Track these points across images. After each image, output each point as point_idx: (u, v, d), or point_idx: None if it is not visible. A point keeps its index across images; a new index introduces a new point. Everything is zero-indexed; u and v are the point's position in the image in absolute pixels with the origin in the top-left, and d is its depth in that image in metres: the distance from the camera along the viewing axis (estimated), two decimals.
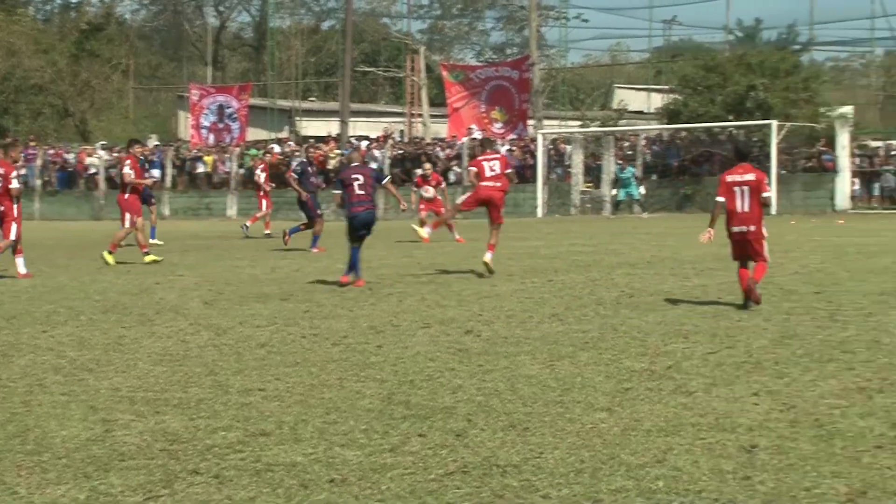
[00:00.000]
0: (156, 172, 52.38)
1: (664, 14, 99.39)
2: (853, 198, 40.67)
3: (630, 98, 66.20)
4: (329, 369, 9.76)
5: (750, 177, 13.67)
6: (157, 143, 59.11)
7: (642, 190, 43.08)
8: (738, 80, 43.23)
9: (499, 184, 18.36)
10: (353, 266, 17.05)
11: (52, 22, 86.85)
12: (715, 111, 43.28)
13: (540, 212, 45.00)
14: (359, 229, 17.15)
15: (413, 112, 58.78)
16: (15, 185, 18.75)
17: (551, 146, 47.63)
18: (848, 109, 44.16)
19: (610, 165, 44.61)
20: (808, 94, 43.27)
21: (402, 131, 58.68)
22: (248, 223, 32.27)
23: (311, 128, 63.37)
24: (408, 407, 8.19)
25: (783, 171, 40.88)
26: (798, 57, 53.42)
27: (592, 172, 45.85)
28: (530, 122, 54.45)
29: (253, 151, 50.06)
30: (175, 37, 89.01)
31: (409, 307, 14.16)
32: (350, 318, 13.23)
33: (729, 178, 13.70)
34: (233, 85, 65.94)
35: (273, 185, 34.97)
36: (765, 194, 13.69)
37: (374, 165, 44.48)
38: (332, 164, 49.09)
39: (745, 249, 13.73)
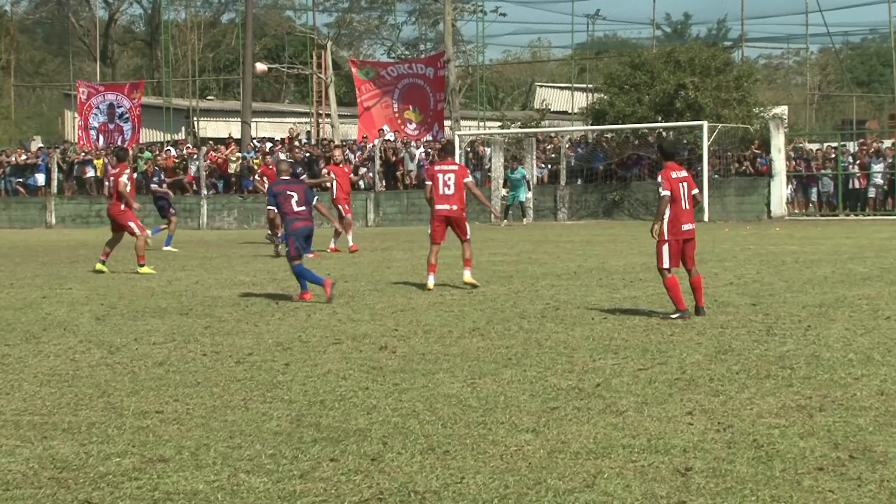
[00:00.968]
0: (40, 178, 51.99)
1: (587, 8, 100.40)
2: (789, 203, 41.13)
3: (552, 97, 66.63)
4: (232, 389, 9.71)
5: (684, 174, 13.96)
6: (41, 145, 58.33)
7: (529, 194, 43.23)
8: (667, 78, 43.55)
9: (454, 206, 17.79)
10: (306, 278, 16.80)
11: None
12: (643, 111, 43.56)
13: None
14: (302, 242, 16.96)
15: (320, 112, 58.53)
16: None
17: (469, 149, 47.71)
18: (782, 110, 44.69)
19: (499, 166, 44.76)
20: (740, 93, 43.69)
21: (308, 132, 58.44)
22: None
23: (210, 129, 62.96)
24: (318, 429, 8.16)
25: (716, 176, 41.30)
26: (729, 54, 54.12)
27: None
28: (447, 122, 54.51)
29: (147, 154, 49.54)
30: (60, 30, 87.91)
31: (318, 322, 14.12)
32: (255, 333, 13.17)
33: (674, 175, 13.81)
34: (124, 83, 65.22)
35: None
36: (695, 191, 13.96)
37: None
38: (232, 168, 48.87)
39: (686, 253, 13.80)
